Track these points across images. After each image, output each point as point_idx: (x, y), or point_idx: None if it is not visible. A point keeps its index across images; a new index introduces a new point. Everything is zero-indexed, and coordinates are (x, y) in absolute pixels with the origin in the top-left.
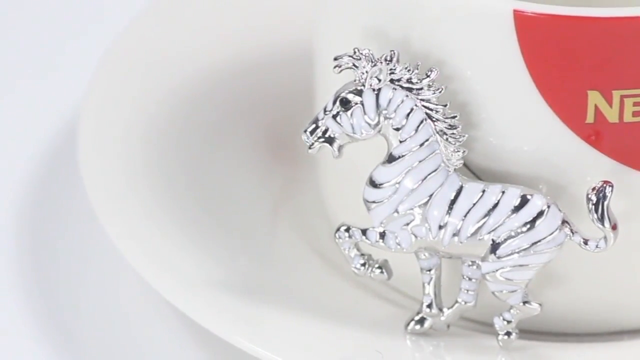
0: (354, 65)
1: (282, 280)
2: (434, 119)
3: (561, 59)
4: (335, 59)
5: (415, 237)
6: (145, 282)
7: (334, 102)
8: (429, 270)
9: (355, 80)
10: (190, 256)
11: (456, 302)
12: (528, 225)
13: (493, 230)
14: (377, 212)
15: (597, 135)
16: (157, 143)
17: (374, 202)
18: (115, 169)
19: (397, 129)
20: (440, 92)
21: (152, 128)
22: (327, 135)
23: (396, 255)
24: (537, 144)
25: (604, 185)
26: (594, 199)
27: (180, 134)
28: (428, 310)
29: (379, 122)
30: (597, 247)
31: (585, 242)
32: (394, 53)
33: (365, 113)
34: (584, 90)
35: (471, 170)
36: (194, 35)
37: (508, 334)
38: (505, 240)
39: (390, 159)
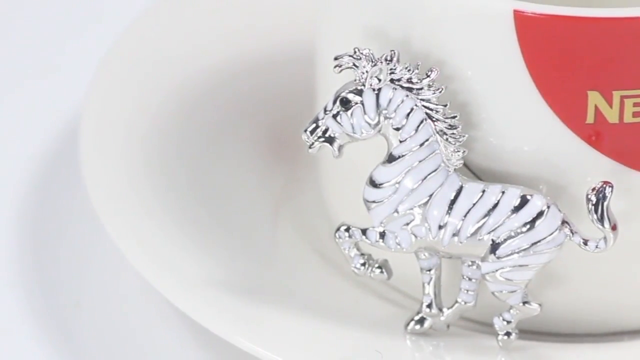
0: (354, 65)
1: (282, 280)
2: (434, 119)
3: (561, 59)
4: (336, 58)
5: (415, 237)
6: (146, 281)
7: (334, 102)
8: (429, 270)
9: (355, 80)
10: (190, 256)
11: (456, 302)
12: (528, 226)
13: (493, 231)
14: (377, 212)
15: (597, 135)
16: (158, 143)
17: (373, 201)
18: (117, 168)
19: (397, 129)
20: (440, 92)
21: (153, 128)
22: (327, 135)
23: (396, 255)
24: (537, 144)
25: (604, 185)
26: (594, 199)
27: (181, 133)
28: (428, 310)
29: (379, 121)
30: (596, 247)
31: (585, 243)
32: (394, 53)
33: (365, 113)
34: (584, 91)
35: (471, 170)
36: (195, 36)
37: (508, 334)
38: (505, 240)
39: (390, 158)
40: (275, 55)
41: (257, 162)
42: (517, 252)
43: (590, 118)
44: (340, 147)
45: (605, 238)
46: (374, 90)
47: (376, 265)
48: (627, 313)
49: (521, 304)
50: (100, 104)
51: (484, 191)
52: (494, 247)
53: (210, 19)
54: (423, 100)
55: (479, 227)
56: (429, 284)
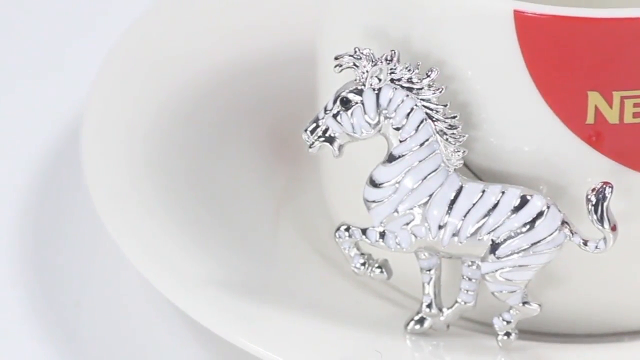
0: (354, 64)
1: (283, 280)
2: (434, 119)
3: (561, 60)
4: (336, 58)
5: (415, 236)
6: (146, 281)
7: (335, 102)
8: (429, 270)
9: (355, 80)
10: (191, 256)
11: (456, 302)
12: (528, 226)
13: (493, 231)
14: (377, 212)
15: (597, 136)
16: (159, 143)
17: (374, 201)
18: (118, 168)
19: (397, 129)
20: (440, 92)
21: (154, 128)
22: (327, 135)
23: (396, 255)
24: (537, 145)
25: (604, 186)
26: (594, 199)
27: (182, 134)
28: (428, 310)
29: (379, 121)
30: (596, 248)
31: (585, 243)
32: (395, 53)
33: (365, 112)
34: (584, 91)
35: (471, 170)
36: (197, 36)
37: (507, 334)
38: (505, 240)
39: (390, 158)
40: (276, 56)
41: (259, 162)
42: (517, 253)
43: (590, 118)
44: (340, 147)
45: (605, 238)
46: (374, 90)
47: (376, 265)
48: (627, 313)
49: (521, 304)
50: (102, 103)
51: (484, 191)
52: (494, 247)
53: (211, 19)
54: (423, 100)
55: (479, 227)
56: (428, 284)
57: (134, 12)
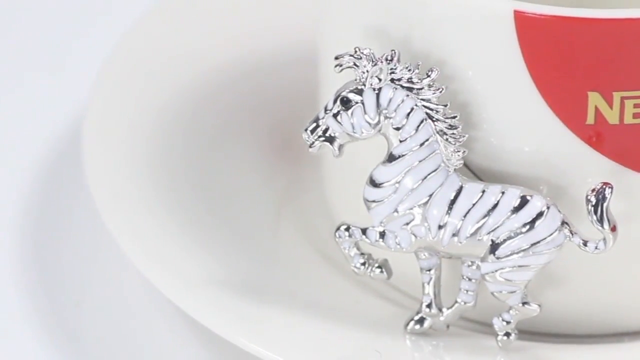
0: (354, 64)
1: (284, 280)
2: (434, 119)
3: (561, 60)
4: (336, 58)
5: (415, 236)
6: (147, 281)
7: (335, 101)
8: (429, 270)
9: (356, 80)
10: (192, 256)
11: (456, 302)
12: (527, 226)
13: (492, 231)
14: (377, 212)
15: (597, 136)
16: (161, 143)
17: (374, 201)
18: (120, 169)
19: (397, 129)
20: (440, 92)
21: (156, 128)
22: (327, 134)
23: (396, 255)
24: (537, 145)
25: (604, 186)
26: (594, 200)
27: (184, 134)
28: (427, 310)
29: (379, 121)
30: (596, 248)
31: (585, 244)
32: (395, 52)
33: (365, 112)
34: (584, 92)
35: (471, 170)
36: (199, 37)
37: (507, 334)
38: (505, 240)
39: (391, 158)
40: (277, 56)
41: (260, 162)
42: (517, 253)
43: (590, 119)
44: (340, 147)
45: (604, 239)
46: (374, 89)
47: (376, 265)
48: (627, 314)
49: (521, 305)
50: (104, 104)
51: (483, 191)
52: (494, 247)
53: (213, 19)
54: (423, 100)
55: (479, 228)
56: (428, 284)
57: (136, 13)
